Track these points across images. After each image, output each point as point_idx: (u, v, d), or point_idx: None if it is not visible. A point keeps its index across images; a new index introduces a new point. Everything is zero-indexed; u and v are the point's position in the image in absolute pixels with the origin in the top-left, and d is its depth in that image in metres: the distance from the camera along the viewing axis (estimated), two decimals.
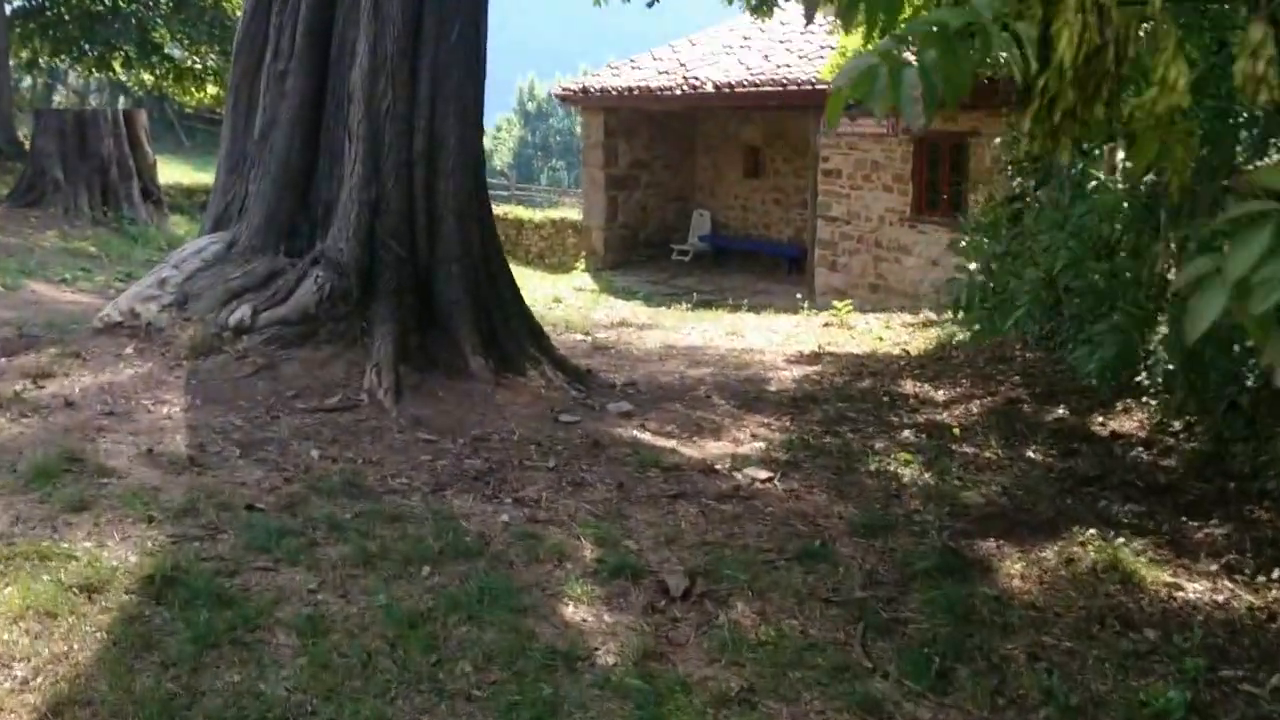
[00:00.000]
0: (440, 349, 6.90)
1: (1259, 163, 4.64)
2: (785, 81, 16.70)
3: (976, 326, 5.07)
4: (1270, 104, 1.75)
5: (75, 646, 3.44)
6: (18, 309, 8.61)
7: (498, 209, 14.79)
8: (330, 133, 7.14)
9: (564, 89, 21.50)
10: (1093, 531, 4.97)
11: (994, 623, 4.16)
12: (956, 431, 6.68)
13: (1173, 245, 5.07)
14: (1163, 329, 4.86)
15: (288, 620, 3.74)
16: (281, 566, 4.09)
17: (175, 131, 32.35)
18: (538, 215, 23.67)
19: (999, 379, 8.18)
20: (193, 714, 3.16)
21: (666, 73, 19.49)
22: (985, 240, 5.40)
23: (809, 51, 17.81)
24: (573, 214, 25.21)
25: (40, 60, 18.40)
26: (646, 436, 6.31)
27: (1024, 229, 5.51)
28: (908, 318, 12.32)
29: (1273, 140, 4.69)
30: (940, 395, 7.82)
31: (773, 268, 20.04)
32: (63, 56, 17.48)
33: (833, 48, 16.96)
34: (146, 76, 18.20)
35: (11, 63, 17.87)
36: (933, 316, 12.02)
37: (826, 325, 11.82)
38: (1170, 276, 4.78)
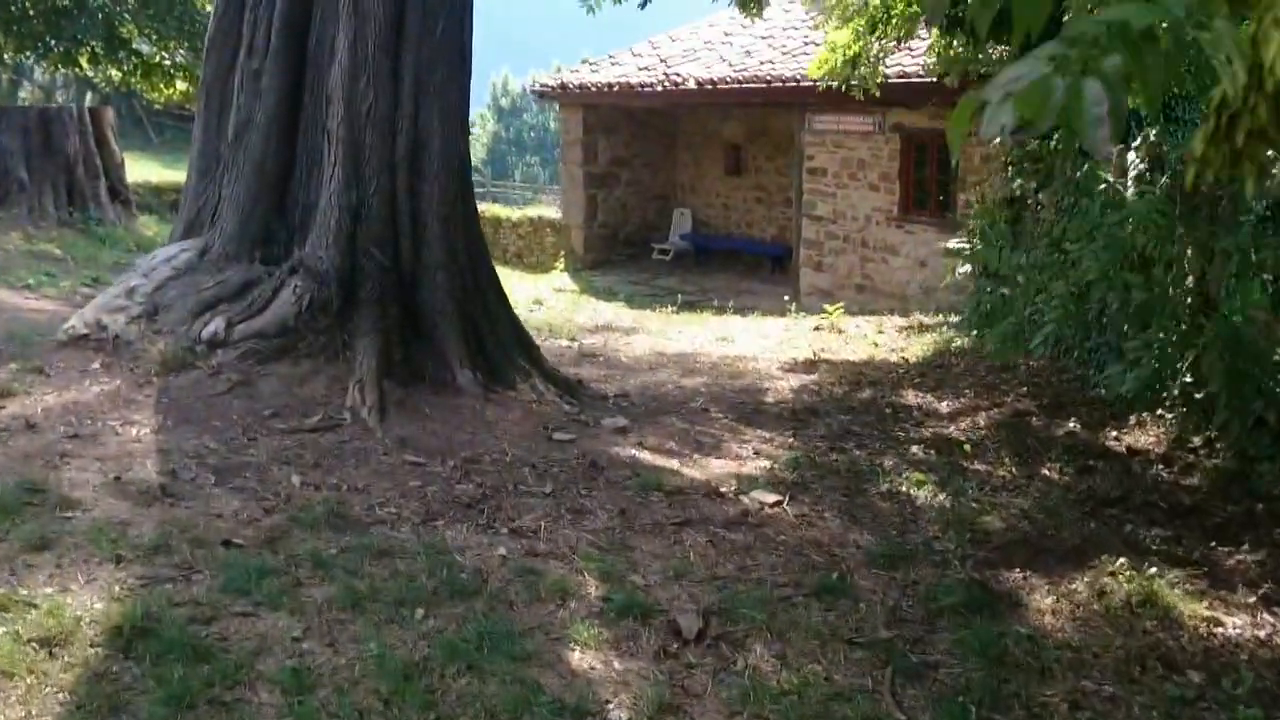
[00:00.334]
0: (426, 362, 6.56)
1: None
2: (769, 78, 16.41)
3: (1000, 344, 4.78)
4: None
5: (35, 711, 3.11)
6: None
7: None
8: (308, 134, 6.78)
9: (542, 85, 21.15)
10: (1122, 561, 4.70)
11: (1030, 666, 3.89)
12: (967, 448, 6.41)
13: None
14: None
15: (271, 674, 3.41)
16: (263, 611, 3.75)
17: (144, 128, 31.74)
18: (515, 214, 23.30)
19: (1003, 389, 7.92)
20: None
21: (647, 69, 19.16)
22: (999, 249, 5.11)
23: (792, 47, 17.53)
24: (550, 212, 24.85)
25: (4, 56, 17.84)
26: (645, 455, 6.01)
27: (1051, 239, 5.23)
28: (899, 320, 12.06)
29: None
30: (944, 406, 7.55)
31: (755, 267, 19.76)
32: (27, 52, 16.94)
33: (816, 44, 16.71)
34: (114, 72, 17.64)
35: None
36: (925, 320, 11.78)
37: (817, 329, 11.54)
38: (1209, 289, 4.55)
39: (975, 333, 5.34)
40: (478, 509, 4.89)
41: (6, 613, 3.50)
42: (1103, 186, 7.38)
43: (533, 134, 60.11)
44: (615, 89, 18.92)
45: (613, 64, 20.39)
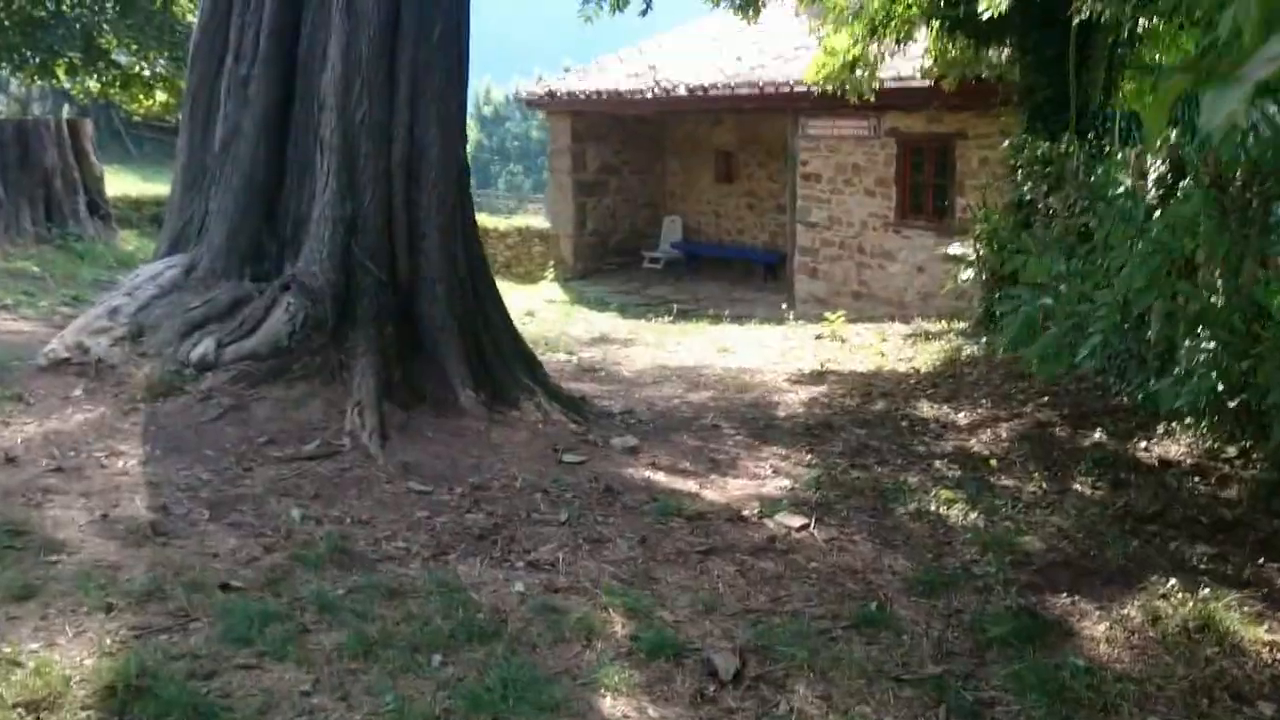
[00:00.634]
0: (427, 381, 6.27)
1: None
2: (761, 83, 16.17)
3: (1042, 358, 4.51)
4: None
5: None
6: None
7: None
8: (299, 143, 6.48)
9: (530, 94, 20.85)
10: (1173, 582, 4.45)
11: (1092, 701, 3.62)
12: (993, 463, 6.16)
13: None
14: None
15: None
16: (267, 662, 3.45)
17: (122, 140, 31.32)
18: (503, 223, 23.01)
19: (1020, 398, 7.67)
20: None
21: (636, 75, 18.91)
22: (1033, 257, 4.84)
23: (783, 52, 17.30)
24: (537, 221, 24.59)
25: None
26: (660, 477, 5.73)
27: (1093, 245, 4.97)
28: (901, 328, 11.83)
29: None
30: (961, 418, 7.30)
31: (747, 274, 19.52)
32: (3, 64, 16.54)
33: (808, 48, 16.49)
34: (92, 84, 17.27)
35: None
36: (929, 327, 11.55)
37: (819, 338, 11.31)
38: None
39: (1006, 345, 5.06)
40: (490, 540, 4.60)
41: None
42: (1122, 190, 7.16)
43: (516, 142, 59.81)
44: (604, 97, 18.65)
45: (600, 71, 20.13)
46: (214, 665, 3.38)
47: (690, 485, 5.61)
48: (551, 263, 20.68)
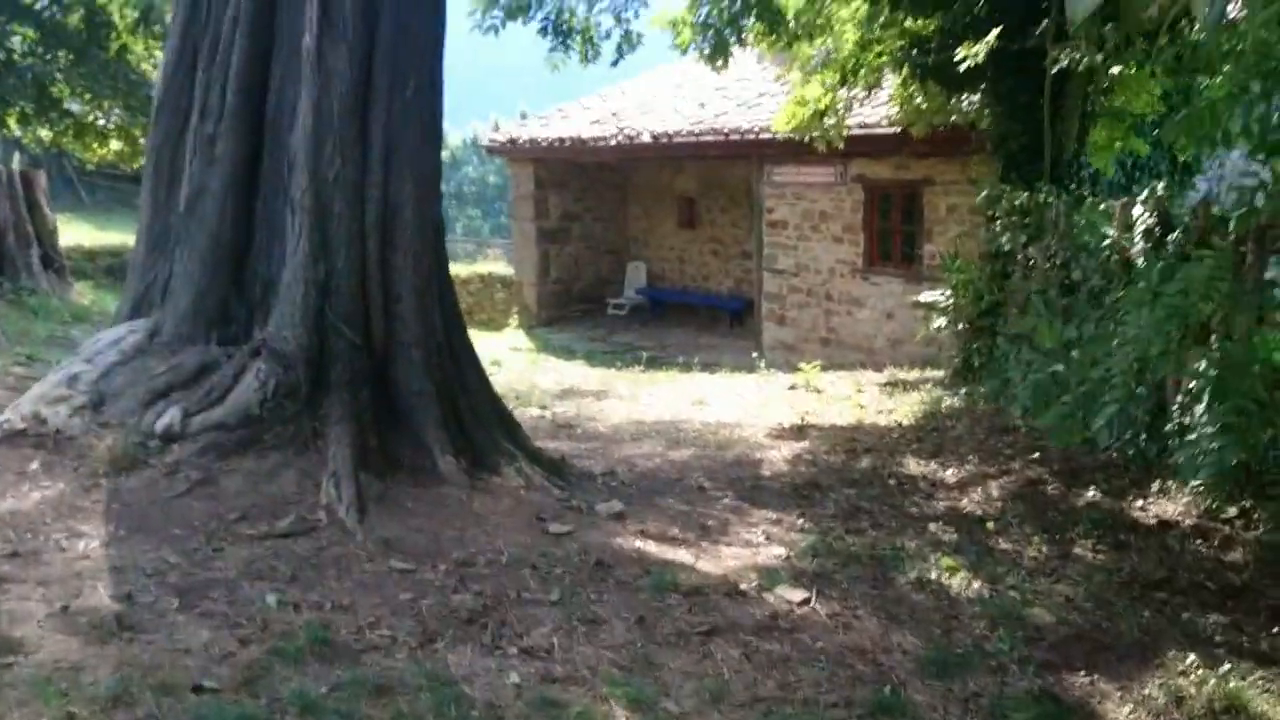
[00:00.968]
0: (404, 448, 6.01)
1: None
2: (726, 130, 16.16)
3: (1058, 427, 4.36)
4: None
5: None
6: None
7: None
8: (269, 203, 6.24)
9: (492, 140, 20.76)
10: (1192, 658, 4.30)
11: None
12: (990, 525, 6.01)
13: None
14: None
15: None
16: None
17: (75, 188, 30.80)
18: (464, 269, 22.77)
19: (1007, 453, 7.55)
20: None
21: (599, 122, 18.86)
22: (1047, 322, 4.70)
23: (747, 98, 17.34)
24: (499, 267, 24.40)
25: None
26: (651, 546, 5.50)
27: (1106, 310, 4.85)
28: (876, 377, 11.74)
29: None
30: (950, 475, 7.15)
31: (713, 321, 19.43)
32: None
33: (772, 95, 16.53)
34: (44, 133, 16.90)
35: None
36: (904, 376, 11.47)
37: (793, 389, 11.17)
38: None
39: (1023, 412, 4.92)
40: (479, 624, 4.34)
41: None
42: (1107, 241, 7.10)
43: (473, 187, 59.64)
44: (568, 144, 18.58)
45: (562, 118, 20.07)
46: None
47: (683, 555, 5.39)
48: (515, 310, 20.49)
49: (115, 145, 17.80)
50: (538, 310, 20.15)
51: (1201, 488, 4.31)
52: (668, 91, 19.66)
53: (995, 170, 10.03)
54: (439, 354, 6.38)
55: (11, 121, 16.19)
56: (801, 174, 15.54)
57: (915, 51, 10.33)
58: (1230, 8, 9.97)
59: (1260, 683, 4.11)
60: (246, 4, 6.21)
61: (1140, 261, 6.51)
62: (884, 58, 10.90)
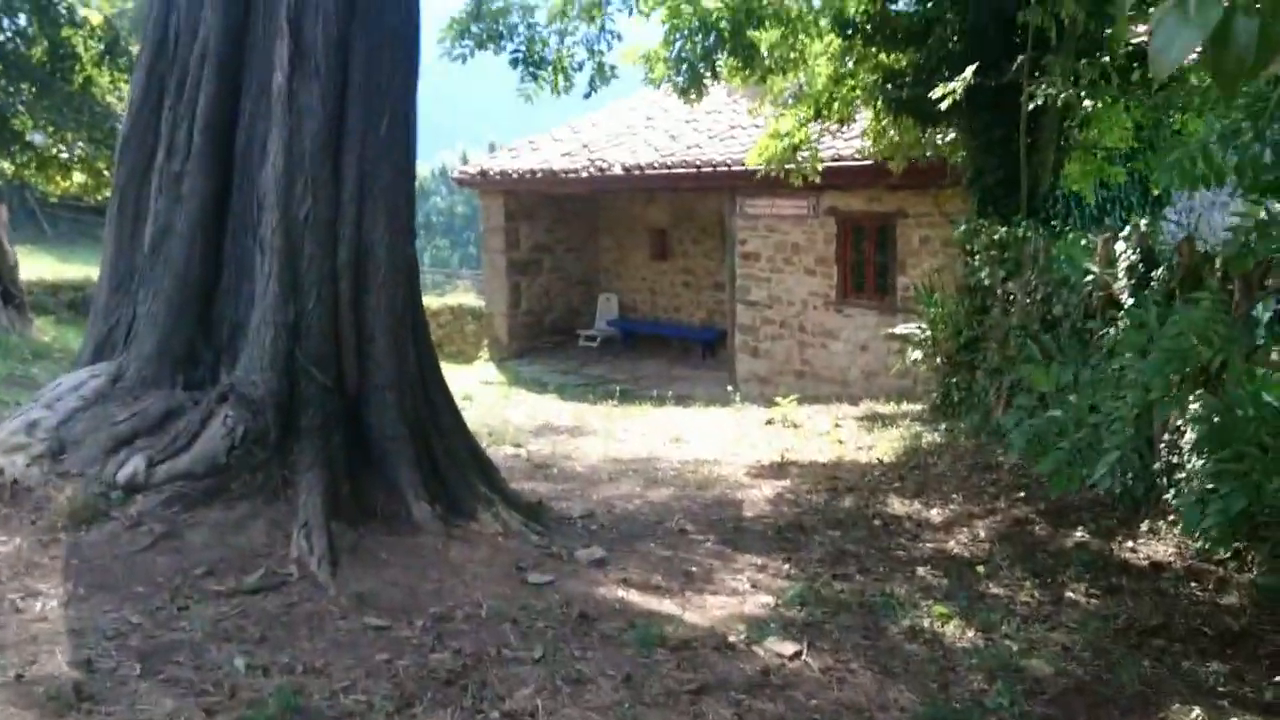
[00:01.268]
0: (377, 494, 5.82)
1: None
2: (698, 163, 16.12)
3: (1055, 475, 4.25)
4: None
5: None
6: None
7: None
8: (237, 243, 6.06)
9: (462, 172, 20.65)
10: (1197, 712, 4.17)
11: None
12: (980, 569, 5.88)
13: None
14: None
15: None
16: None
17: (37, 219, 30.36)
18: (434, 302, 22.55)
19: (991, 491, 7.45)
20: None
21: (570, 154, 18.79)
22: (1045, 365, 4.58)
23: (719, 131, 17.33)
24: (469, 299, 24.20)
25: None
26: (634, 596, 5.33)
27: (1106, 350, 4.76)
28: (852, 410, 11.65)
29: None
30: (935, 515, 7.04)
31: (686, 352, 19.34)
32: None
33: (744, 127, 16.53)
34: (6, 165, 16.59)
35: None
36: (880, 410, 11.38)
37: (770, 423, 11.05)
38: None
39: (1021, 457, 4.81)
40: (459, 685, 4.15)
41: None
42: (1090, 277, 7.05)
43: (440, 218, 59.46)
44: (539, 176, 18.48)
45: (533, 149, 19.99)
46: None
47: (668, 606, 5.22)
48: (486, 342, 20.31)
49: (79, 178, 17.52)
50: (509, 342, 19.98)
51: (1207, 541, 4.21)
52: (639, 123, 19.63)
53: (971, 204, 10.00)
54: (413, 395, 6.21)
55: None
56: (774, 206, 15.51)
57: (889, 86, 10.32)
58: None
59: None
60: (215, 40, 6.06)
61: (1125, 297, 6.46)
62: (857, 92, 10.88)
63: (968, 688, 4.43)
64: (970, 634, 4.99)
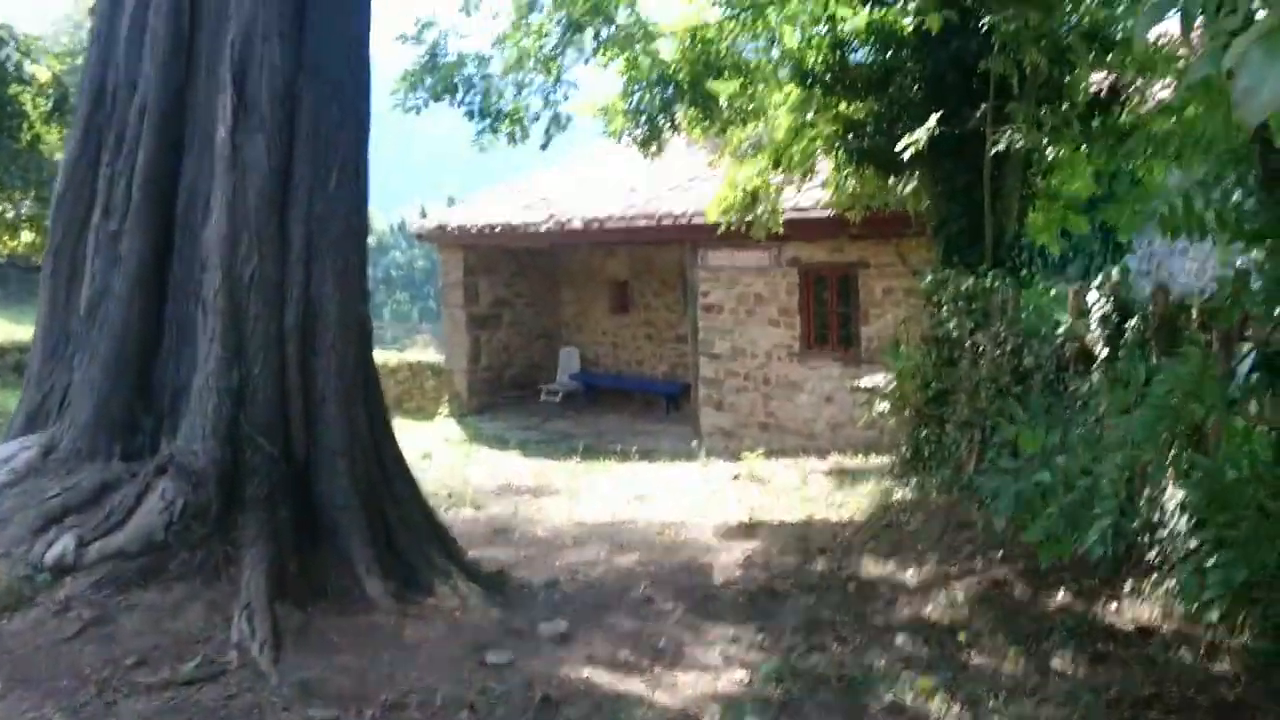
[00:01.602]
0: (327, 571, 5.50)
1: None
2: (659, 215, 15.98)
3: (1045, 543, 4.03)
4: None
5: None
6: None
7: None
8: (178, 305, 5.77)
9: (420, 227, 20.41)
10: None
11: None
12: (961, 637, 5.63)
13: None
14: None
15: None
16: None
17: None
18: (393, 358, 22.17)
19: (967, 550, 7.22)
20: None
21: (529, 207, 18.61)
22: (1034, 427, 4.37)
23: (678, 182, 17.22)
24: (428, 354, 23.85)
25: None
26: (600, 675, 5.03)
27: (1082, 404, 4.57)
28: (819, 464, 11.43)
29: None
30: (910, 577, 6.79)
31: (648, 406, 19.10)
32: None
33: (703, 178, 16.43)
34: None
35: None
36: (848, 463, 11.18)
37: (737, 478, 10.80)
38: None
39: (1001, 517, 4.60)
40: None
41: None
42: (1062, 329, 6.90)
43: (400, 272, 59.19)
44: (498, 229, 18.27)
45: (492, 202, 19.80)
46: None
47: (636, 685, 4.93)
48: (446, 397, 19.96)
49: (27, 236, 17.15)
50: (469, 398, 19.64)
51: (1212, 614, 4.01)
52: (597, 174, 19.51)
53: (935, 253, 9.87)
54: (365, 461, 5.92)
55: None
56: (735, 257, 15.37)
57: (850, 136, 10.22)
58: (1159, 86, 10.06)
59: None
60: (155, 93, 5.80)
61: (1100, 349, 6.31)
62: (818, 142, 10.78)
63: None
64: (956, 709, 4.73)
